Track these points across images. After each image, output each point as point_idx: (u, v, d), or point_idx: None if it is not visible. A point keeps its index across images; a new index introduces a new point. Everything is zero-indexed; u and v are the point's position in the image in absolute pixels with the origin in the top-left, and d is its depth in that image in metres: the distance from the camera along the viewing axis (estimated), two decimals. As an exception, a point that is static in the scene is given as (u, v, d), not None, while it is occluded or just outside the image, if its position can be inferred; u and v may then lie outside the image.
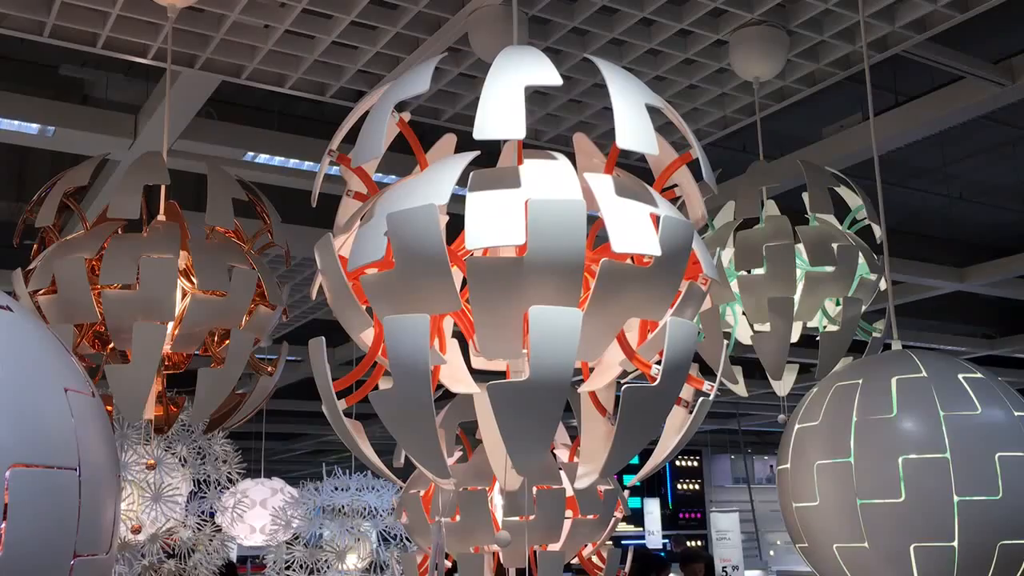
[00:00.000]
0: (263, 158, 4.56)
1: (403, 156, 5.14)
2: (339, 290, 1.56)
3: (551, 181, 1.49)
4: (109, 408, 2.49)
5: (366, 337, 1.68)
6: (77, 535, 1.14)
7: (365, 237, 1.50)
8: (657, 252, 1.43)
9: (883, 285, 2.88)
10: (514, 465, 1.50)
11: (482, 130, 1.46)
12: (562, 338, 1.38)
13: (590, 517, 2.49)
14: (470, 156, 1.53)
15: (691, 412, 1.66)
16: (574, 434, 2.02)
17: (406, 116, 1.76)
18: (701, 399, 1.63)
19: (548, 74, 1.53)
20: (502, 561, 2.42)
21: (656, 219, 1.47)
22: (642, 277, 1.48)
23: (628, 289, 1.47)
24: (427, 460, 1.54)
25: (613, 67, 1.59)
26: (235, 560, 9.74)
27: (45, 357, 1.22)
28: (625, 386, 1.50)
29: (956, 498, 1.93)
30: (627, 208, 1.47)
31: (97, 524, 1.19)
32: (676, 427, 1.72)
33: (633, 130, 1.48)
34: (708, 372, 3.07)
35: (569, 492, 2.53)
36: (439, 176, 1.50)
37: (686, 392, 1.69)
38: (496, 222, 1.41)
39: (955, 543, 1.92)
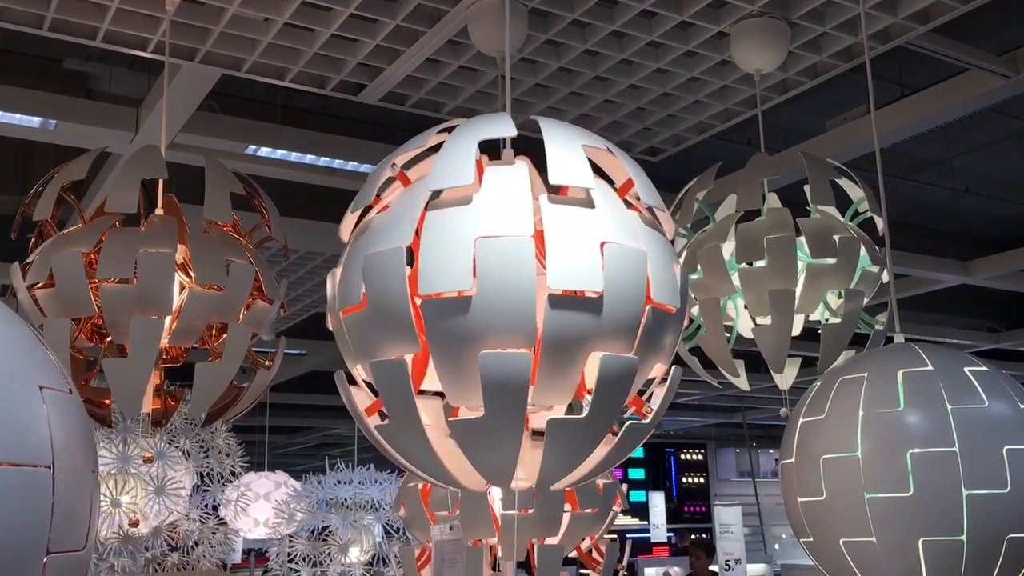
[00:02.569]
0: (265, 151, 4.54)
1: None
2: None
3: (504, 212, 1.51)
4: (108, 402, 2.49)
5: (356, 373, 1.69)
6: (50, 532, 1.14)
7: (347, 276, 1.53)
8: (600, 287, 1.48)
9: (885, 278, 2.86)
10: (487, 479, 1.56)
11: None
12: (513, 381, 1.45)
13: (588, 511, 2.48)
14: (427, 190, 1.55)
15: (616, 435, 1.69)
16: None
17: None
18: (629, 423, 1.66)
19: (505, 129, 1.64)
20: (500, 555, 2.40)
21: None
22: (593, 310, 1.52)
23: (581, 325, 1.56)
24: (501, 475, 1.60)
25: (553, 121, 1.70)
26: (240, 551, 9.77)
27: (19, 354, 1.21)
28: (550, 418, 1.56)
29: (964, 492, 1.91)
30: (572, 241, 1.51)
31: (71, 521, 1.19)
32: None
33: (565, 166, 1.59)
34: (710, 365, 3.06)
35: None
36: (406, 213, 1.56)
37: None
38: (446, 265, 1.46)
39: (963, 537, 1.91)
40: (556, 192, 1.62)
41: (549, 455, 1.54)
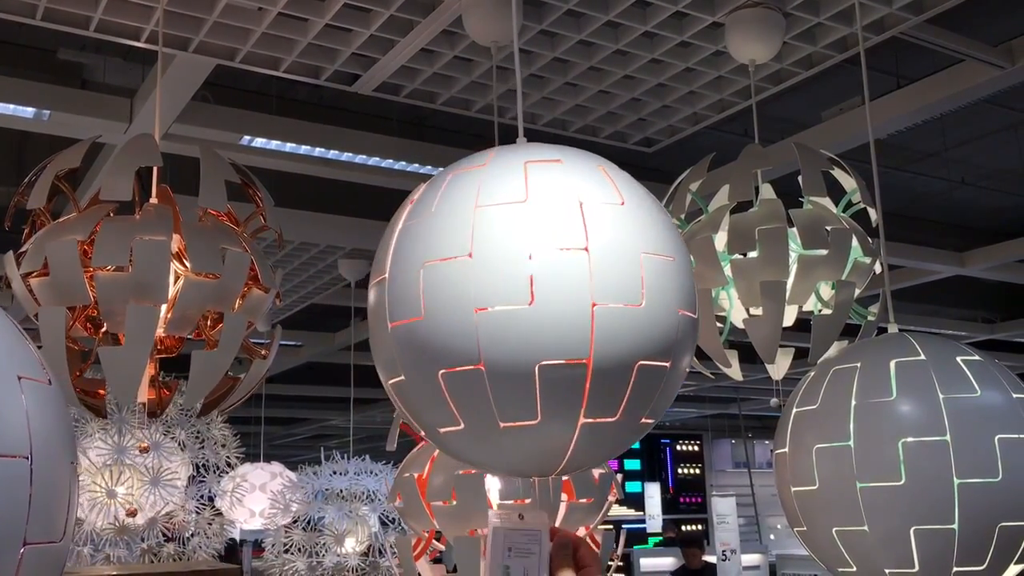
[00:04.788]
0: (259, 142, 4.54)
1: (409, 142, 5.07)
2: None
3: (557, 223, 1.51)
4: (103, 391, 2.49)
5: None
6: (27, 523, 1.12)
7: (403, 286, 1.53)
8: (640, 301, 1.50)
9: (878, 269, 2.86)
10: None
11: None
12: (571, 392, 1.51)
13: (584, 501, 2.49)
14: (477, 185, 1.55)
15: None
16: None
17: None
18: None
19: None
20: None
21: None
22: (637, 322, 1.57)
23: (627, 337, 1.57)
24: (507, 472, 1.67)
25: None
26: (238, 539, 9.79)
27: None
28: (583, 421, 1.53)
29: (956, 481, 1.92)
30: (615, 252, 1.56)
31: (49, 512, 1.17)
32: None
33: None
34: (703, 356, 3.07)
35: (564, 476, 2.52)
36: (460, 217, 1.53)
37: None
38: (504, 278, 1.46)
39: (955, 526, 1.91)
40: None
41: (579, 453, 1.58)
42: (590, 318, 1.44)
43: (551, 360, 1.43)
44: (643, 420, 1.58)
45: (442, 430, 1.56)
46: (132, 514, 4.50)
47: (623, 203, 1.54)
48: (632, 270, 1.48)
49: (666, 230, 1.59)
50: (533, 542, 1.62)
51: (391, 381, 1.59)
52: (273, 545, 5.24)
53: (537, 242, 1.46)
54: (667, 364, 1.53)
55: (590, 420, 1.49)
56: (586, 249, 1.46)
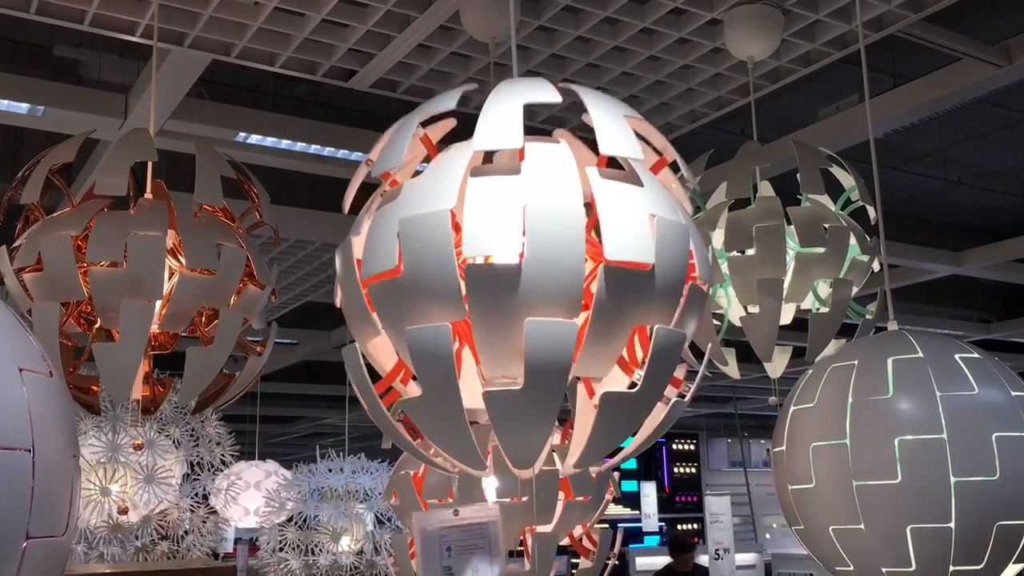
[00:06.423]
0: (255, 139, 4.52)
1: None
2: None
3: (552, 182, 1.49)
4: (96, 388, 2.47)
5: (372, 347, 1.64)
6: (30, 517, 1.12)
7: (378, 242, 1.49)
8: (651, 260, 1.45)
9: (877, 266, 2.85)
10: (511, 462, 1.52)
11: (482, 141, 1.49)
12: (558, 351, 1.41)
13: (581, 499, 2.48)
14: (468, 154, 1.51)
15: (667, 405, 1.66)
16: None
17: (420, 132, 1.72)
18: (675, 400, 1.62)
19: (547, 94, 1.60)
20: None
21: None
22: (644, 282, 1.48)
23: (632, 296, 1.48)
24: (464, 456, 1.55)
25: (590, 90, 1.67)
26: (231, 540, 9.76)
27: None
28: (604, 392, 1.51)
29: (953, 479, 1.91)
30: (623, 211, 1.48)
31: (52, 506, 1.17)
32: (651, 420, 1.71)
33: (615, 138, 1.57)
34: (699, 354, 3.06)
35: (562, 474, 2.51)
36: (446, 177, 1.49)
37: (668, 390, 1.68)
38: (494, 229, 1.43)
39: (952, 524, 1.91)
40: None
41: (600, 431, 1.51)
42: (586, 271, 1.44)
43: (542, 316, 1.40)
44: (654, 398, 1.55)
45: (401, 398, 1.54)
46: (124, 512, 4.48)
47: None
48: (643, 228, 1.46)
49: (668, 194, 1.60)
50: (477, 536, 1.56)
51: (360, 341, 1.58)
52: (268, 543, 5.23)
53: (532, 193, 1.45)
54: (682, 331, 1.53)
55: (610, 392, 1.48)
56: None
